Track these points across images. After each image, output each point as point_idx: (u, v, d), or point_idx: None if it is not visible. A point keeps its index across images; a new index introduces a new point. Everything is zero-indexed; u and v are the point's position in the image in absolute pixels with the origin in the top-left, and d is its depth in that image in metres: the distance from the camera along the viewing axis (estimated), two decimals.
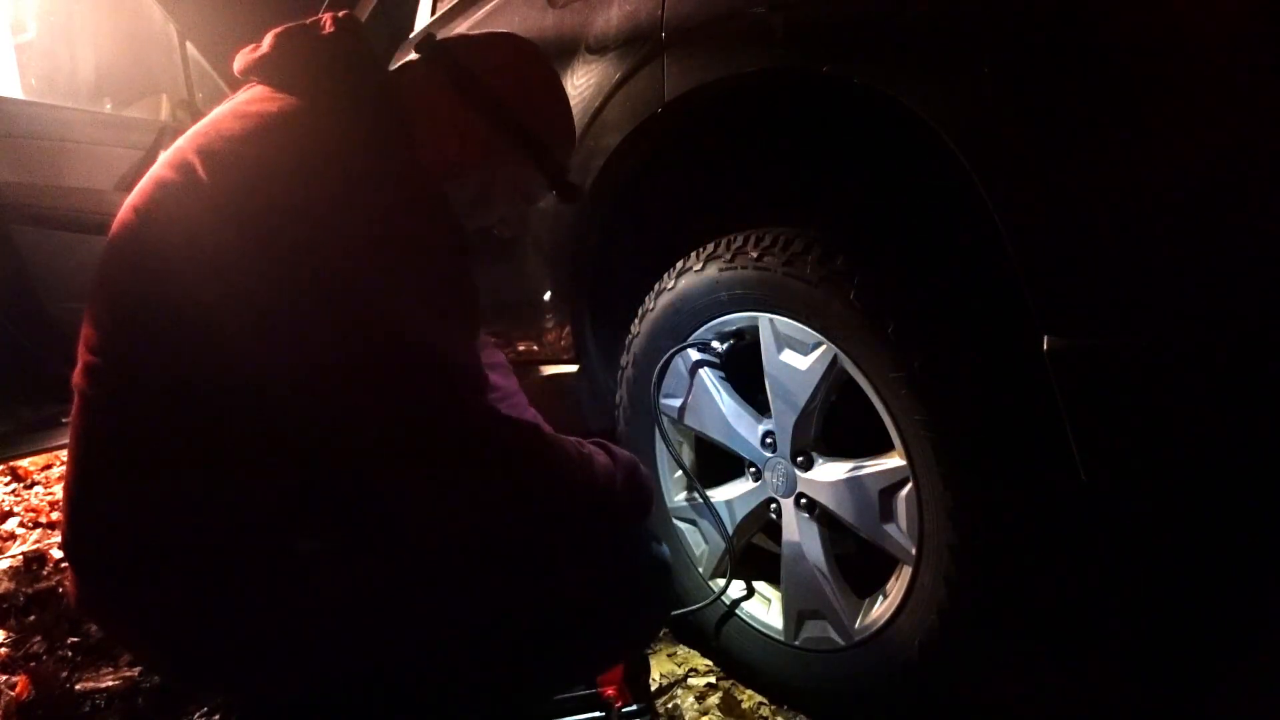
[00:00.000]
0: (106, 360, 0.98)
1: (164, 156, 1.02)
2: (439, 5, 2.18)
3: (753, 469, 1.41)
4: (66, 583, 2.08)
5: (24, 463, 3.13)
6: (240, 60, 1.07)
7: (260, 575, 0.95)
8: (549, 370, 1.79)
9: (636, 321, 1.54)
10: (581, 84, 1.50)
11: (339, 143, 0.95)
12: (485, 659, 1.03)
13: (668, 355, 1.47)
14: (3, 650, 1.77)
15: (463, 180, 1.14)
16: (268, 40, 1.06)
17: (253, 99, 1.01)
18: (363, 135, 0.98)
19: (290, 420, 0.92)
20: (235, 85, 1.09)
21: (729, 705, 1.43)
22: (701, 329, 1.42)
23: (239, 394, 0.92)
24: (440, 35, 1.20)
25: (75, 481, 1.01)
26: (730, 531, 1.45)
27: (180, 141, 1.01)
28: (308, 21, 1.08)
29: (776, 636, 1.40)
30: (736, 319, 1.37)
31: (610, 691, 1.32)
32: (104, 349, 0.98)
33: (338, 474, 0.95)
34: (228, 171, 0.93)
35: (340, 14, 1.08)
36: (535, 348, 1.79)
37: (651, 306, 1.49)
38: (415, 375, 0.91)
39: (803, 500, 1.33)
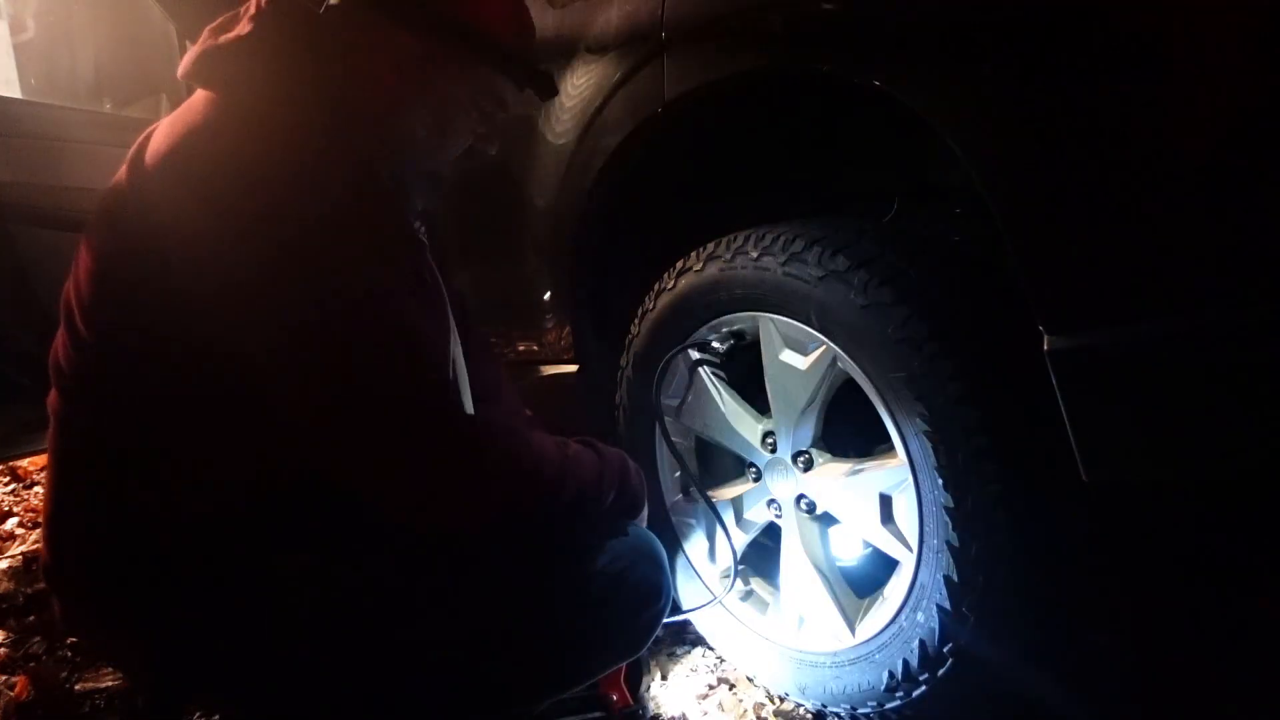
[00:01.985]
0: (78, 381, 0.98)
1: (121, 173, 1.00)
2: None
3: (753, 469, 1.41)
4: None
5: (24, 462, 3.12)
6: (182, 65, 1.03)
7: (241, 591, 0.95)
8: (549, 370, 1.79)
9: (636, 321, 1.53)
10: (581, 84, 1.50)
11: (253, 156, 0.91)
12: (475, 667, 1.01)
13: (668, 355, 1.47)
14: (3, 650, 1.77)
15: (415, 111, 1.05)
16: (201, 40, 1.02)
17: (188, 105, 0.99)
18: (282, 137, 0.93)
19: (265, 437, 0.92)
20: None
21: (729, 705, 1.43)
22: (701, 329, 1.42)
23: (209, 410, 0.92)
24: None
25: (53, 504, 1.01)
26: (730, 532, 1.45)
27: (126, 158, 0.99)
28: (235, 12, 1.02)
29: (777, 637, 1.39)
30: (736, 319, 1.37)
31: (610, 692, 1.32)
32: (74, 371, 0.98)
33: (315, 487, 0.94)
34: (152, 197, 0.92)
35: None
36: (535, 348, 1.79)
37: (651, 306, 1.49)
38: (378, 389, 0.88)
39: (803, 501, 1.33)
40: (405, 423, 0.89)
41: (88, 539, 0.97)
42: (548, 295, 1.71)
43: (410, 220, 1.10)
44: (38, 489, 3.00)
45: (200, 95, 0.99)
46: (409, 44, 1.02)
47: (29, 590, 2.04)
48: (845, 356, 1.18)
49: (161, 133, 0.97)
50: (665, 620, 1.17)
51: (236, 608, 0.95)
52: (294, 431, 0.91)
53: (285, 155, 0.91)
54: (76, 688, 1.60)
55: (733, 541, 1.44)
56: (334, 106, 0.99)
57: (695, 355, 1.45)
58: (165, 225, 0.90)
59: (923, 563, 1.14)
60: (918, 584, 1.14)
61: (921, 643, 1.14)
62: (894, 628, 1.19)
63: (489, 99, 1.11)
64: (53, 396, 1.01)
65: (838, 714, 1.32)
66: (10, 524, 2.60)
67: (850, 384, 1.20)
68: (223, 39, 1.00)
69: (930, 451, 1.08)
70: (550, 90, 1.14)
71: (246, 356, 0.89)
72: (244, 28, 0.99)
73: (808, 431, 1.29)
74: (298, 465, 0.93)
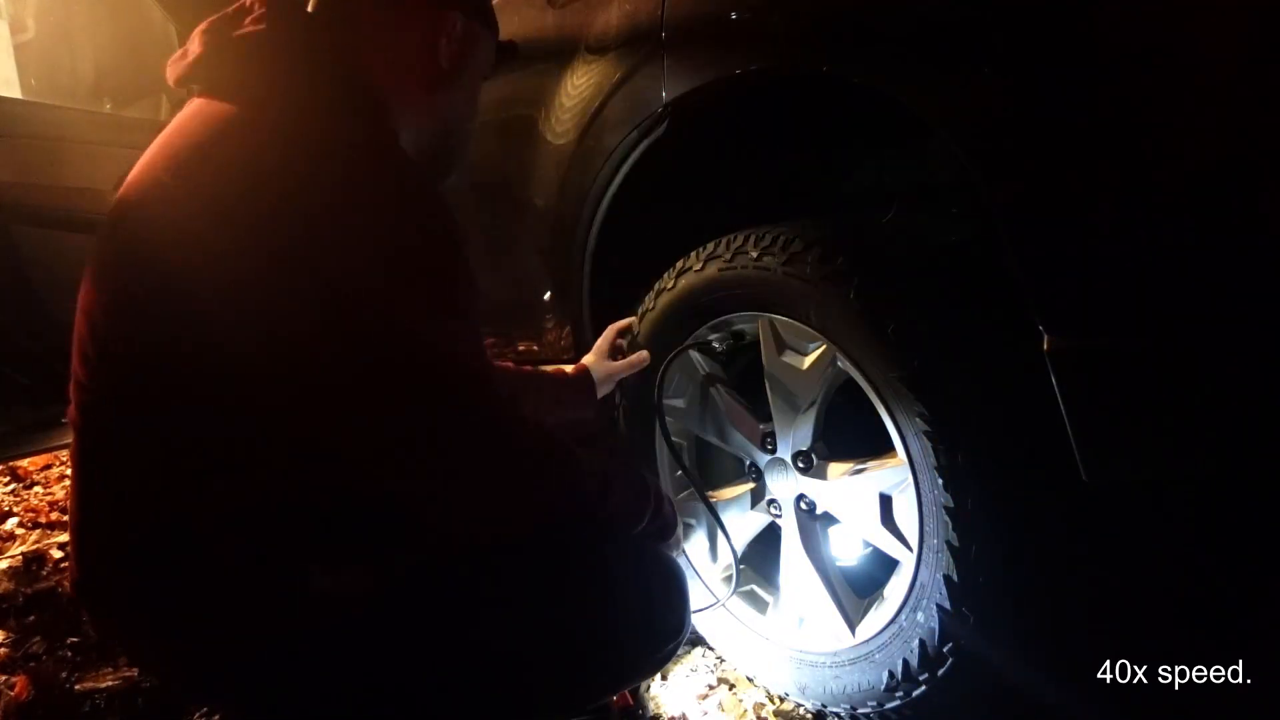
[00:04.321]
0: (101, 393, 0.95)
1: (134, 180, 0.98)
2: None
3: (753, 470, 1.41)
4: (66, 583, 2.08)
5: (24, 462, 3.13)
6: (173, 70, 1.01)
7: (271, 603, 0.93)
8: (549, 370, 1.79)
9: (637, 321, 1.54)
10: (581, 84, 1.50)
11: (306, 159, 0.90)
12: (489, 689, 1.00)
13: (668, 356, 1.47)
14: (3, 650, 1.77)
15: (460, 84, 1.13)
16: (196, 42, 0.99)
17: (203, 115, 0.96)
18: (330, 136, 0.93)
19: (301, 436, 0.90)
20: None
21: (729, 705, 1.43)
22: (701, 329, 1.42)
23: (242, 415, 0.89)
24: None
25: (81, 516, 0.97)
26: (730, 533, 1.45)
27: (143, 165, 0.97)
28: (231, 11, 1.00)
29: (777, 636, 1.39)
30: (736, 319, 1.37)
31: None
32: (95, 382, 0.95)
33: (350, 490, 0.93)
34: (200, 208, 0.89)
35: None
36: (535, 348, 1.79)
37: (651, 306, 1.49)
38: (418, 379, 0.88)
39: (803, 501, 1.33)
40: (442, 419, 0.89)
41: (121, 550, 0.94)
42: (548, 295, 1.71)
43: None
44: (38, 489, 3.00)
45: (212, 110, 0.96)
46: (456, 23, 1.10)
47: (29, 590, 2.05)
48: (845, 356, 1.18)
49: (198, 135, 0.93)
50: None
51: (265, 619, 0.93)
52: (341, 427, 0.89)
53: (333, 152, 0.91)
54: (76, 688, 1.60)
55: (733, 542, 1.44)
56: (378, 94, 1.03)
57: (695, 355, 1.45)
58: (227, 222, 0.87)
59: (923, 562, 1.14)
60: (918, 584, 1.14)
61: (921, 642, 1.14)
62: (894, 627, 1.19)
63: (489, 66, 1.21)
64: (72, 408, 0.97)
65: (837, 714, 1.32)
66: (10, 524, 2.60)
67: (850, 384, 1.20)
68: (238, 34, 0.98)
69: (930, 451, 1.08)
70: (514, 55, 1.30)
71: (299, 353, 0.87)
72: (257, 26, 0.98)
73: (807, 431, 1.29)
74: (332, 475, 0.92)
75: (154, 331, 0.91)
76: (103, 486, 0.96)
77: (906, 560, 1.17)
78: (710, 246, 1.38)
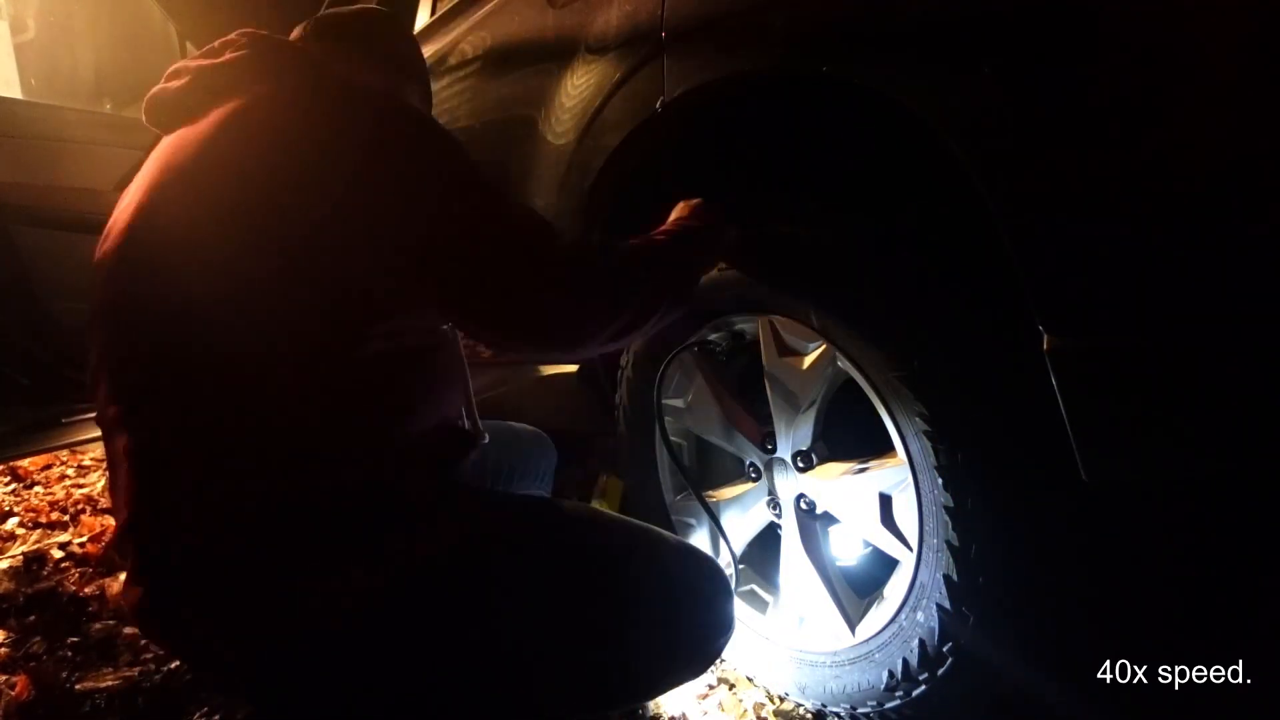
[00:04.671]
0: (144, 409, 0.95)
1: (135, 186, 1.01)
2: (439, 6, 2.18)
3: (753, 470, 1.41)
4: (66, 583, 2.08)
5: (24, 462, 3.13)
6: (152, 105, 1.07)
7: (273, 605, 0.92)
8: (549, 370, 1.79)
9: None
10: (581, 84, 1.50)
11: (304, 118, 0.97)
12: (536, 689, 1.00)
13: (668, 356, 1.47)
14: (3, 650, 1.77)
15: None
16: (180, 77, 1.07)
17: (198, 128, 1.00)
18: (330, 119, 0.99)
19: (304, 431, 0.91)
20: None
21: (729, 705, 1.43)
22: (702, 329, 1.42)
23: (248, 410, 0.90)
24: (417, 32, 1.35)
25: (132, 513, 0.96)
26: (729, 532, 1.45)
27: (145, 169, 1.01)
28: (203, 52, 1.09)
29: (777, 636, 1.39)
30: (736, 319, 1.37)
31: None
32: (134, 398, 0.95)
33: (350, 490, 0.93)
34: (203, 205, 0.93)
35: (244, 33, 1.09)
36: None
37: None
38: (496, 270, 0.99)
39: (803, 500, 1.33)
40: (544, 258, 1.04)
41: (194, 539, 0.93)
42: None
43: None
44: (38, 489, 3.00)
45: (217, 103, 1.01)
46: (412, 95, 1.39)
47: (29, 590, 2.05)
48: (845, 356, 1.18)
49: (201, 136, 0.98)
50: None
51: (265, 619, 0.93)
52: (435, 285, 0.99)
53: (365, 110, 1.00)
54: (76, 688, 1.60)
55: (731, 544, 1.44)
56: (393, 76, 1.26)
57: (695, 355, 1.45)
58: (233, 212, 0.92)
59: (922, 562, 1.14)
60: (917, 583, 1.15)
61: (921, 642, 1.14)
62: (894, 627, 1.19)
63: None
64: (114, 411, 0.97)
65: (837, 714, 1.32)
66: (10, 524, 2.60)
67: (850, 384, 1.20)
68: (223, 60, 1.05)
69: (930, 451, 1.08)
70: None
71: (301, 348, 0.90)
72: (239, 51, 1.06)
73: (807, 431, 1.29)
74: (333, 475, 0.92)
75: (158, 332, 0.92)
76: (128, 486, 0.97)
77: (906, 560, 1.17)
78: None
